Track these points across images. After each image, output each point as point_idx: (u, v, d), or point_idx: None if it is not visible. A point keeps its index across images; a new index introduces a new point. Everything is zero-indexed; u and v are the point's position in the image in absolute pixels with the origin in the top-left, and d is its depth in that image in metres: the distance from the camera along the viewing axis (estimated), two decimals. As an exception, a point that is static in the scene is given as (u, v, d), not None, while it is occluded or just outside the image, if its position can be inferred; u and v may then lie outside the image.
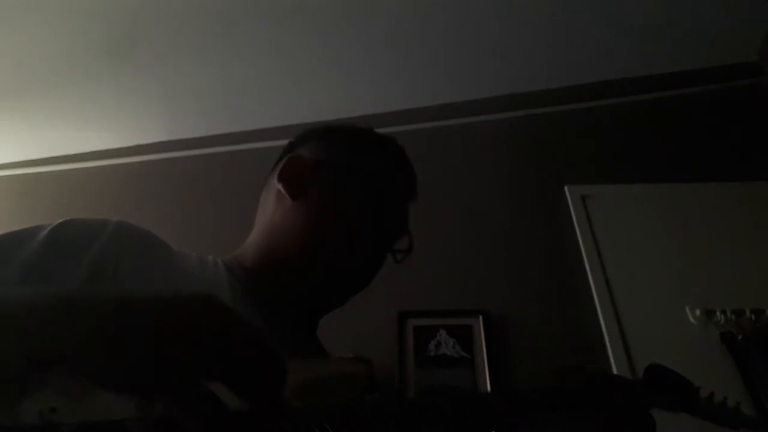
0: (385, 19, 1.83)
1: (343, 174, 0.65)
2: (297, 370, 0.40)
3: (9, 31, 1.74)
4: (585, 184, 1.85)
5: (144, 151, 2.22)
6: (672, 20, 1.91)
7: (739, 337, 1.46)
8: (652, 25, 1.93)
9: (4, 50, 1.80)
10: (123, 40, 1.81)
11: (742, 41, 2.06)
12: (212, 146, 2.19)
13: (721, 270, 1.63)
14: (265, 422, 0.32)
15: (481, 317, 1.59)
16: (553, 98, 2.11)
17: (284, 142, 0.74)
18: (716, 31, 1.98)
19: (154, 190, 2.09)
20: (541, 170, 1.94)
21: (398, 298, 1.58)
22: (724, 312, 1.51)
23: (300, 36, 1.86)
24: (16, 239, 0.46)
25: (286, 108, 2.08)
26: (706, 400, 0.50)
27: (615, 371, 1.45)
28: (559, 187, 1.85)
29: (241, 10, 1.75)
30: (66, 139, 2.21)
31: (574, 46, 1.98)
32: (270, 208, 0.65)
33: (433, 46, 1.94)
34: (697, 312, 1.53)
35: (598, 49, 2.00)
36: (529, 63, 2.04)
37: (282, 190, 0.63)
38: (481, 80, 2.10)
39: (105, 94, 2.02)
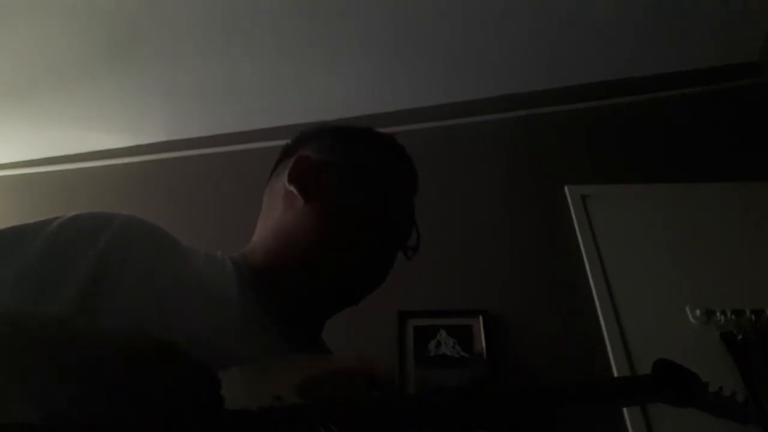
0: (385, 19, 1.83)
1: (353, 173, 0.65)
2: (301, 367, 0.40)
3: (9, 31, 1.74)
4: (585, 184, 1.85)
5: (144, 151, 2.22)
6: (672, 20, 1.91)
7: (739, 337, 1.46)
8: (652, 25, 1.93)
9: (4, 50, 1.80)
10: (123, 40, 1.80)
11: (742, 41, 2.06)
12: (213, 146, 2.19)
13: (721, 270, 1.63)
14: (271, 420, 0.32)
15: (481, 317, 1.59)
16: (553, 98, 2.11)
17: (284, 142, 0.73)
18: (716, 31, 1.98)
19: (154, 190, 2.09)
20: (541, 170, 1.94)
21: (398, 298, 1.58)
22: (724, 312, 1.51)
23: (300, 36, 1.86)
24: (21, 234, 0.45)
25: (286, 108, 2.08)
26: (714, 395, 0.50)
27: (615, 371, 1.45)
28: (559, 187, 1.85)
29: (242, 10, 1.75)
30: (66, 139, 2.20)
31: (575, 46, 1.98)
32: (279, 209, 0.64)
33: (432, 46, 1.94)
34: (697, 312, 1.53)
35: (598, 49, 2.00)
36: (529, 63, 2.04)
37: (295, 192, 0.62)
38: (481, 80, 2.10)
39: (105, 94, 2.02)
